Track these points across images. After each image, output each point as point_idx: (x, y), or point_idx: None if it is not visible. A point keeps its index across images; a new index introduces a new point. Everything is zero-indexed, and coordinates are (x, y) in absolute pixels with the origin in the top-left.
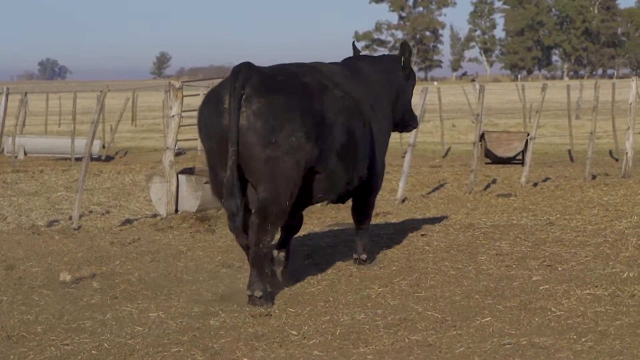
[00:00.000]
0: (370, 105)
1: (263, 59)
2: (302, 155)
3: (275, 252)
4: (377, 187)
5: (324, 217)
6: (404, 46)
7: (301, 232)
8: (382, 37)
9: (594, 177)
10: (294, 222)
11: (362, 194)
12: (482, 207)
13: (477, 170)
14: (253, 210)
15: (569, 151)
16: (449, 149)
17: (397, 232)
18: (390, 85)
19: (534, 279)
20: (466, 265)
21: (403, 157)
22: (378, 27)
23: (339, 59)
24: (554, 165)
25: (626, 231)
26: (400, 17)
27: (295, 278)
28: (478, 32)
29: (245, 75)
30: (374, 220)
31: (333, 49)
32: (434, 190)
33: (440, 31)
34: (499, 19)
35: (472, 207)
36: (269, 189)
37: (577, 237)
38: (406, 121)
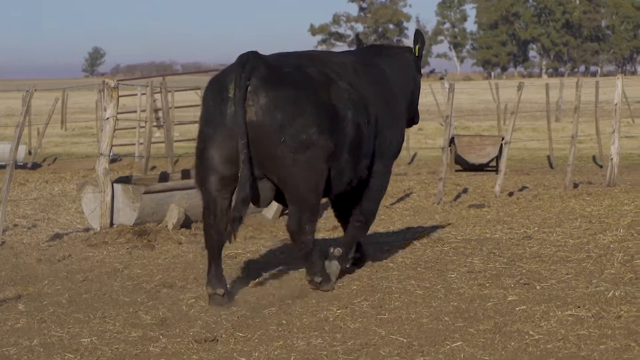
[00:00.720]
0: (385, 100)
1: (209, 55)
2: (316, 151)
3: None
4: (381, 188)
5: (276, 231)
6: (418, 34)
7: (252, 248)
8: (341, 30)
9: (575, 186)
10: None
11: (365, 194)
12: (452, 219)
13: (447, 179)
14: (287, 219)
15: (548, 157)
16: (415, 155)
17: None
18: (407, 79)
19: (509, 299)
20: (434, 284)
21: None
22: (336, 20)
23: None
24: (531, 172)
25: (611, 245)
26: (361, 9)
27: (245, 298)
28: (447, 25)
29: (251, 66)
30: (332, 235)
31: (286, 43)
32: (398, 201)
33: (405, 24)
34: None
35: (441, 219)
36: (294, 194)
37: (557, 252)
38: (414, 116)
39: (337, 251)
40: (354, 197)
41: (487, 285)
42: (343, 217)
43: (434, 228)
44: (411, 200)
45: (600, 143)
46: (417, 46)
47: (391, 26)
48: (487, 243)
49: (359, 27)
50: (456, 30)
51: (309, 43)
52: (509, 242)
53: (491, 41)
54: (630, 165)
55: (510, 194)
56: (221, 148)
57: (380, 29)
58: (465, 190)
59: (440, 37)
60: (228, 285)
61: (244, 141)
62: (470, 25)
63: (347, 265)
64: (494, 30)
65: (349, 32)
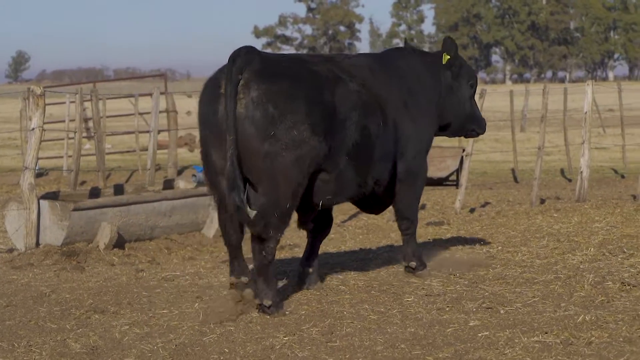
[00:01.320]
0: (404, 102)
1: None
2: (306, 151)
3: (300, 269)
4: (411, 192)
5: (217, 252)
6: (446, 42)
7: (191, 270)
8: (287, 32)
9: (542, 202)
10: (312, 226)
11: (396, 199)
12: None
13: None
14: (253, 216)
15: (513, 170)
16: None
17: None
18: (434, 83)
19: (471, 324)
20: (390, 309)
21: None
22: (282, 21)
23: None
24: (494, 187)
25: (581, 266)
26: (309, 9)
27: (184, 324)
28: (403, 27)
29: (245, 59)
30: (278, 254)
31: (227, 47)
32: (350, 218)
33: (358, 25)
34: (428, 11)
35: (397, 238)
36: (269, 191)
37: (523, 273)
38: (465, 125)
39: (413, 264)
40: (383, 200)
41: (447, 309)
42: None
43: (390, 248)
44: (364, 217)
45: (569, 155)
46: (447, 54)
47: (342, 28)
48: (446, 263)
49: (307, 29)
50: (413, 32)
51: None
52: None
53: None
54: (602, 179)
55: (472, 211)
56: (222, 149)
57: (330, 31)
58: (423, 207)
59: (395, 40)
60: (165, 310)
61: (233, 137)
62: (428, 27)
63: (420, 269)
64: (454, 33)
65: (296, 34)
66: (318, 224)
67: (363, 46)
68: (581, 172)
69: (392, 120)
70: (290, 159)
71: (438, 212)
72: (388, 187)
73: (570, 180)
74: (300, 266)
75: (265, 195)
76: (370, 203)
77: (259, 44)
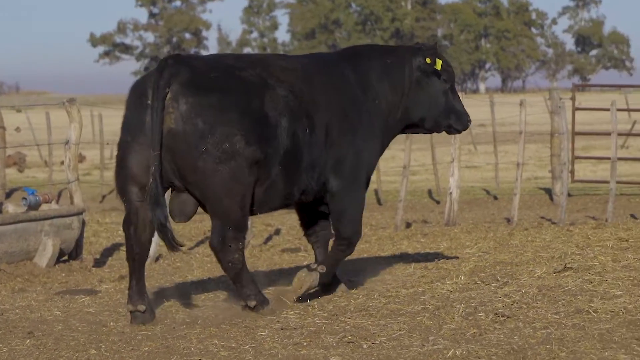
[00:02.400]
0: (342, 108)
1: None
2: (241, 162)
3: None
4: (348, 206)
5: (50, 282)
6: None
7: (22, 303)
8: (127, 40)
9: (408, 226)
10: (316, 231)
11: (332, 214)
12: (262, 266)
13: (255, 218)
14: (210, 237)
15: (376, 191)
16: None
17: (150, 302)
18: (394, 83)
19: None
20: (242, 344)
21: None
22: (121, 28)
23: (71, 67)
24: None
25: (451, 296)
26: (152, 15)
27: None
28: (255, 34)
29: (172, 72)
30: (115, 286)
31: (61, 57)
32: (198, 245)
33: (205, 33)
34: (282, 17)
35: (249, 266)
36: (215, 208)
37: (388, 304)
38: (439, 121)
39: (321, 268)
40: (317, 212)
41: (305, 344)
42: (309, 234)
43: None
44: None
45: (437, 174)
46: (437, 59)
47: (188, 35)
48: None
49: (149, 37)
50: (265, 40)
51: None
52: (330, 293)
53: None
54: (472, 201)
55: (332, 236)
56: (140, 157)
57: (174, 39)
58: (277, 232)
59: (246, 49)
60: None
61: (157, 153)
62: (282, 35)
63: (317, 285)
64: (311, 41)
65: (137, 42)
66: (315, 232)
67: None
68: (450, 193)
69: (324, 128)
70: (228, 172)
71: (294, 238)
72: (321, 198)
73: (438, 202)
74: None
75: (214, 211)
76: (307, 212)
77: (95, 53)
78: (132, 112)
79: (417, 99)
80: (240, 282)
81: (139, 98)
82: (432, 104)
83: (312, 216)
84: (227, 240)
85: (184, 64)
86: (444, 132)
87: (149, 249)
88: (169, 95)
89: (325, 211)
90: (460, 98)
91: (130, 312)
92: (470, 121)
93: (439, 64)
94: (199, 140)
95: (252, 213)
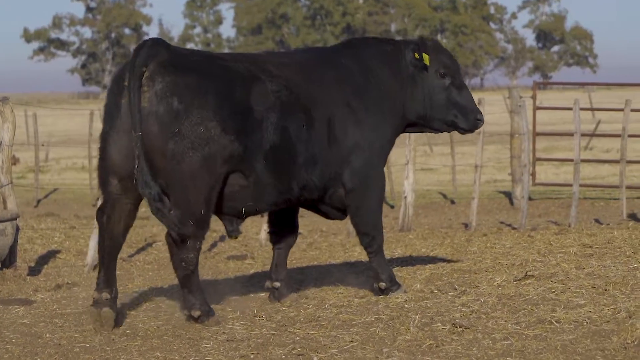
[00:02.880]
0: (346, 102)
1: None
2: (215, 150)
3: (267, 283)
4: (365, 203)
5: None
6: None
7: None
8: (63, 36)
9: None
10: (283, 232)
11: (349, 211)
12: (206, 274)
13: None
14: (168, 227)
15: None
16: None
17: (83, 312)
18: (392, 76)
19: None
20: (185, 356)
21: (94, 205)
22: (57, 23)
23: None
24: (305, 215)
25: (406, 305)
26: (89, 9)
27: None
28: (198, 29)
29: (150, 52)
30: (51, 296)
31: None
32: (139, 252)
33: (145, 28)
34: (227, 11)
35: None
36: (180, 195)
37: (339, 314)
38: (443, 118)
39: (382, 285)
40: (290, 215)
41: (252, 356)
42: (275, 233)
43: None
44: (155, 251)
45: (391, 177)
46: (423, 54)
47: (127, 31)
48: (251, 304)
49: (87, 32)
50: (209, 35)
51: (23, 52)
52: (279, 302)
53: (253, 49)
54: (428, 205)
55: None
56: (118, 144)
57: (113, 35)
58: (222, 238)
59: (189, 44)
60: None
61: (139, 134)
62: (227, 30)
63: (394, 289)
64: (257, 36)
65: (73, 38)
66: (281, 233)
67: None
68: (405, 197)
69: (325, 123)
70: (199, 158)
71: (240, 245)
72: (333, 194)
73: (392, 207)
74: (268, 281)
75: (177, 201)
76: (321, 210)
77: (29, 49)
78: (110, 99)
79: (413, 95)
80: (188, 287)
81: (116, 83)
82: (430, 101)
83: (285, 217)
84: (185, 235)
85: (164, 46)
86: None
87: (121, 243)
88: (145, 74)
89: (326, 211)
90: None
91: (94, 299)
92: (480, 120)
93: (426, 58)
94: (172, 121)
95: (250, 210)
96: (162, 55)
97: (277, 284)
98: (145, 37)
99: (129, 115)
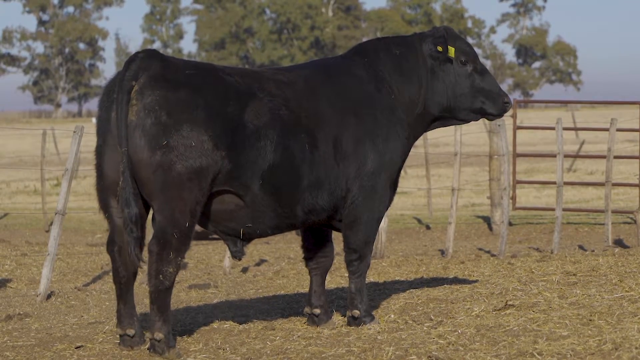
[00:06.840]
0: (354, 115)
1: None
2: (204, 164)
3: (307, 309)
4: (362, 212)
5: None
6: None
7: None
8: (14, 51)
9: None
10: (317, 257)
11: (345, 226)
12: None
13: None
14: (150, 241)
15: None
16: None
17: (36, 345)
18: (404, 74)
19: None
20: None
21: (47, 231)
22: (7, 37)
23: None
24: (271, 241)
25: (379, 337)
26: (41, 22)
27: None
28: (157, 44)
29: (141, 65)
30: (2, 328)
31: None
32: (94, 281)
33: (101, 42)
34: (188, 24)
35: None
36: (164, 207)
37: (308, 346)
38: (471, 107)
39: (355, 313)
40: (322, 236)
41: None
42: (309, 258)
43: (142, 317)
44: (112, 279)
45: None
46: (449, 47)
47: (82, 45)
48: (213, 335)
49: (39, 47)
50: (170, 50)
51: None
52: (243, 335)
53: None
54: (402, 230)
55: (245, 270)
56: (112, 161)
57: (67, 50)
58: (184, 266)
59: None
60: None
61: (125, 149)
62: (189, 45)
63: (367, 320)
64: (220, 51)
65: (24, 53)
66: (315, 258)
67: (108, 67)
68: None
69: (331, 143)
70: (186, 170)
71: (203, 273)
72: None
73: None
74: (307, 307)
75: (160, 213)
76: (334, 227)
77: None
78: (101, 112)
79: (434, 88)
80: (158, 305)
81: (107, 95)
82: (455, 91)
83: (316, 239)
84: (167, 246)
85: (157, 58)
86: None
87: (136, 271)
88: (135, 88)
89: (339, 227)
90: (493, 77)
91: (120, 335)
92: (508, 103)
93: (451, 51)
94: (160, 134)
95: (250, 232)
96: (154, 68)
97: (317, 311)
98: (138, 51)
99: (115, 130)
